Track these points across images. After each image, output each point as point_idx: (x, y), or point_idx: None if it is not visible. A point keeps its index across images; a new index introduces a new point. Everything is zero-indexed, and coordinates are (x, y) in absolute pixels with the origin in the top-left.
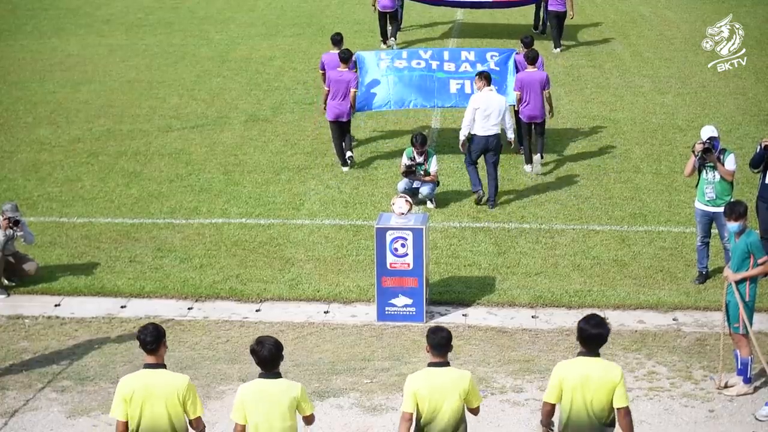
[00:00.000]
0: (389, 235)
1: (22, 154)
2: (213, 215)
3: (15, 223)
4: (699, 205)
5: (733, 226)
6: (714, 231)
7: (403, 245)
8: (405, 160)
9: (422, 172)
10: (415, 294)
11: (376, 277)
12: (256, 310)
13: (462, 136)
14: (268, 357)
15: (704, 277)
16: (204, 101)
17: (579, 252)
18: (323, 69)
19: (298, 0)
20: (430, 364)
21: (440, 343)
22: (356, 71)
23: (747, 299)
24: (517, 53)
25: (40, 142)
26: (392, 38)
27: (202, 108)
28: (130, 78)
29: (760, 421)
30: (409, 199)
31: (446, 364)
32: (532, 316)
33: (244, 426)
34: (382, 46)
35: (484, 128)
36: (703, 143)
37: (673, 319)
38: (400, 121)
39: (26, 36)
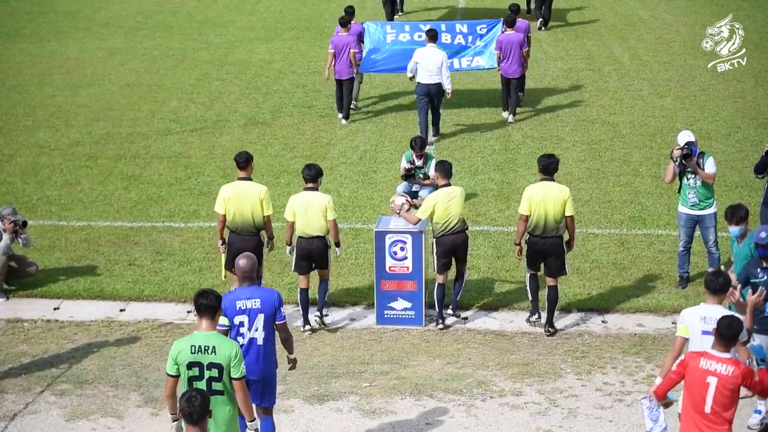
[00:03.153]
0: (388, 239)
1: (21, 158)
2: (212, 218)
3: (24, 224)
4: (683, 209)
5: (734, 230)
6: (696, 234)
7: (402, 249)
8: (404, 164)
9: (421, 176)
10: (414, 297)
11: (376, 281)
12: None
13: (408, 73)
14: (311, 175)
15: (686, 281)
16: (203, 104)
17: (578, 255)
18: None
19: (297, 3)
20: (441, 186)
21: (447, 170)
22: (362, 41)
23: None
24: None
25: (39, 146)
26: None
27: (201, 111)
28: (129, 81)
29: (751, 430)
30: (410, 199)
31: (449, 185)
32: None
33: (293, 222)
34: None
35: (425, 78)
36: (681, 149)
37: (673, 323)
38: (399, 125)
39: (25, 39)
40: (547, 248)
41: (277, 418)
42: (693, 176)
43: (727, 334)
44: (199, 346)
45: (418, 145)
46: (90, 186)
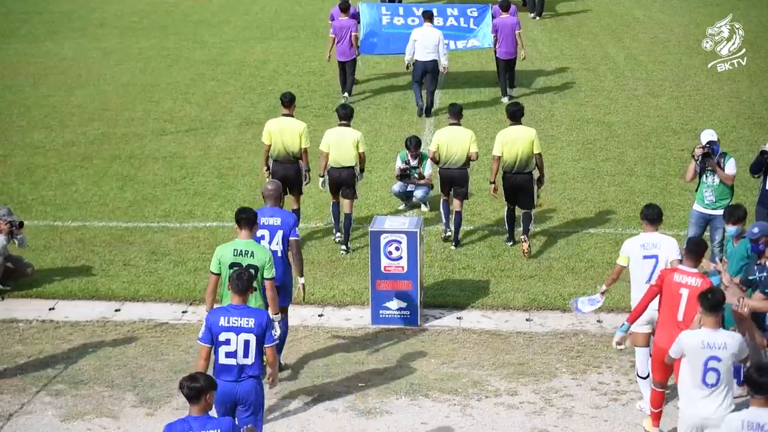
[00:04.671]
0: (383, 239)
1: (16, 158)
2: (207, 219)
3: (20, 225)
4: (697, 208)
5: (731, 229)
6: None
7: (397, 248)
8: (399, 164)
9: (416, 176)
10: (409, 297)
11: (371, 281)
12: None
13: (406, 60)
14: (345, 113)
15: None
16: (198, 105)
17: (573, 255)
18: (332, 19)
19: (292, 3)
20: (450, 124)
21: (455, 111)
22: (358, 22)
23: None
24: (494, 6)
25: (34, 146)
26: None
27: (197, 111)
28: (125, 81)
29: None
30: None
31: (459, 124)
32: (527, 320)
33: (328, 153)
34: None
35: (422, 55)
36: (703, 148)
37: None
38: (394, 125)
39: (20, 40)
40: (519, 183)
41: (272, 418)
42: (712, 175)
43: (695, 250)
44: (241, 250)
45: (413, 144)
46: (85, 186)
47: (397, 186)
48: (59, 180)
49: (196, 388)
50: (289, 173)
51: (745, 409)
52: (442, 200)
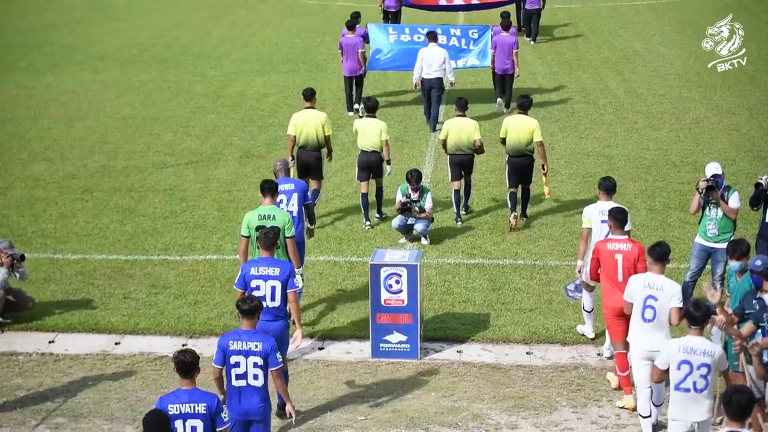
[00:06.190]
0: (384, 272)
1: (17, 191)
2: (207, 252)
3: (21, 258)
4: (699, 241)
5: (735, 264)
6: (706, 268)
7: (397, 281)
8: (400, 197)
9: (417, 209)
10: (409, 330)
11: (371, 314)
12: None
13: (414, 79)
14: (370, 106)
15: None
16: (198, 137)
17: None
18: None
19: (292, 36)
20: (457, 116)
21: (463, 104)
22: (366, 41)
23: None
24: (494, 27)
25: (35, 179)
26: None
27: (197, 144)
28: (125, 114)
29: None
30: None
31: (464, 115)
32: (527, 353)
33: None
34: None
35: (428, 73)
36: (707, 180)
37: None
38: (394, 158)
39: (20, 72)
40: (521, 164)
41: None
42: (715, 208)
43: (621, 218)
44: (265, 215)
45: (414, 178)
46: (85, 219)
47: (398, 220)
48: (59, 213)
49: (255, 306)
50: (310, 159)
51: (682, 337)
52: (453, 191)
